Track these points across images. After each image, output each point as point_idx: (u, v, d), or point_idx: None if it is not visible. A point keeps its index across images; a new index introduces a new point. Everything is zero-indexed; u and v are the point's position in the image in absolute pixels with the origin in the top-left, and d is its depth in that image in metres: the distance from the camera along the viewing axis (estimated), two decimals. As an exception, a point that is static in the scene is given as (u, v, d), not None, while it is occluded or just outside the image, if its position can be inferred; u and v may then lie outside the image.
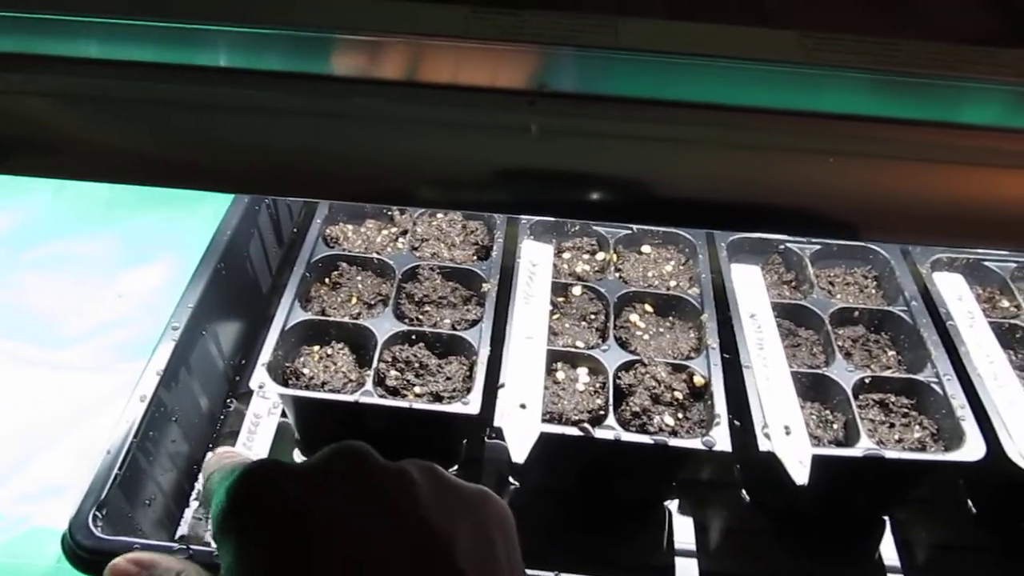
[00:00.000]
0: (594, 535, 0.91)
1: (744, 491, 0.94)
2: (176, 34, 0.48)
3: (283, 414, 0.95)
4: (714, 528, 0.92)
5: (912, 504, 0.94)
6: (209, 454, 0.77)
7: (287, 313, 0.90)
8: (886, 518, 0.93)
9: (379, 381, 0.86)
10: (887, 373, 0.93)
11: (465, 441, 0.94)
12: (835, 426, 0.89)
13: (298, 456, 0.93)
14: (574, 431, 0.82)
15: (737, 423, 0.87)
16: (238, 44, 0.52)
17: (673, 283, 1.00)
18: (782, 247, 1.05)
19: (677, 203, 0.57)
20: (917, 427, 0.89)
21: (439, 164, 0.57)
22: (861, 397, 0.91)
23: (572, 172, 0.57)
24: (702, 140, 0.56)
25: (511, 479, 0.93)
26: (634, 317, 0.96)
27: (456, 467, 0.93)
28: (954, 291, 1.00)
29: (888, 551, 0.92)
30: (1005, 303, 1.03)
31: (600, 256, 1.03)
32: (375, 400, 0.83)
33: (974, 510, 0.95)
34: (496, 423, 0.81)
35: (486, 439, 0.96)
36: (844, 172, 0.57)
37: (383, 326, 0.90)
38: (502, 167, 0.57)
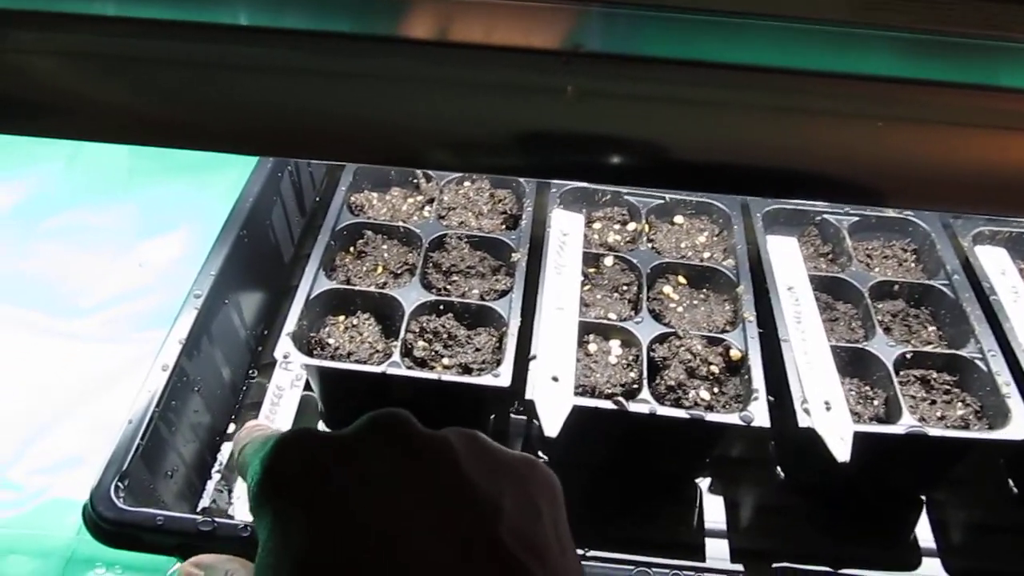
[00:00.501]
0: (624, 512, 0.88)
1: (779, 468, 0.91)
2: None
3: (306, 386, 0.93)
4: (747, 506, 0.90)
5: (951, 483, 0.92)
6: (238, 429, 0.75)
7: (312, 282, 0.87)
8: (923, 497, 0.91)
9: (406, 352, 0.84)
10: (929, 348, 0.90)
11: (493, 416, 0.91)
12: (875, 402, 0.86)
13: (323, 428, 0.91)
14: (608, 404, 0.79)
15: (772, 398, 0.84)
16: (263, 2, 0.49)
17: (707, 254, 0.97)
18: (819, 218, 1.02)
19: (716, 168, 0.55)
20: (960, 404, 0.87)
21: (469, 127, 0.55)
22: (902, 373, 0.88)
23: (608, 136, 0.54)
24: (743, 103, 0.53)
25: (540, 453, 0.91)
26: (667, 289, 0.93)
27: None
28: (997, 265, 0.97)
29: (924, 531, 0.89)
30: (1049, 277, 1.00)
31: (632, 226, 1.00)
32: (403, 372, 0.80)
33: (1015, 490, 0.92)
34: (528, 396, 0.79)
35: (512, 414, 0.94)
36: (892, 137, 0.55)
37: (410, 296, 0.87)
38: (537, 130, 0.55)
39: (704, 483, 0.90)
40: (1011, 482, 0.92)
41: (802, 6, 0.49)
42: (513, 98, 0.53)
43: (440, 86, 0.53)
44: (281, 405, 0.93)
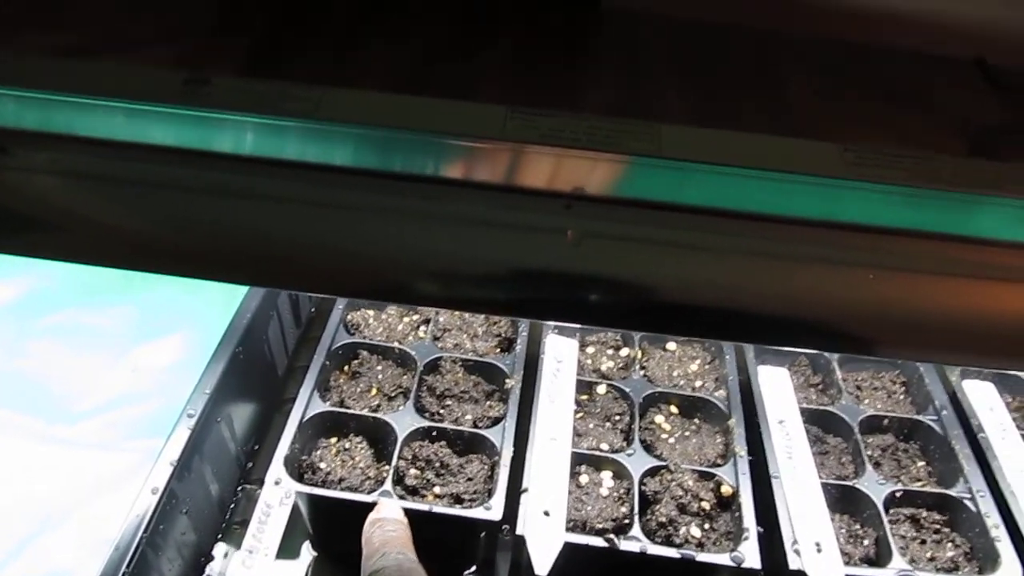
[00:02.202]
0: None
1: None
2: (189, 120, 0.47)
3: (295, 505, 0.93)
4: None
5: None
6: (372, 514, 0.78)
7: (306, 403, 0.88)
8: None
9: (398, 480, 0.84)
10: (918, 487, 0.91)
11: (483, 537, 0.91)
12: (865, 542, 0.86)
13: (307, 550, 0.90)
14: (599, 542, 0.79)
15: (760, 529, 0.84)
16: (275, 136, 0.51)
17: (699, 383, 0.98)
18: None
19: (714, 314, 0.56)
20: (950, 545, 0.87)
21: (473, 265, 0.56)
22: (892, 511, 0.88)
23: (609, 279, 0.56)
24: (741, 250, 0.55)
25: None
26: (659, 419, 0.93)
27: (473, 568, 0.90)
28: (985, 401, 0.98)
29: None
30: (1037, 414, 1.01)
31: (624, 352, 1.01)
32: (394, 502, 0.80)
33: (1006, 632, 0.91)
34: (519, 531, 0.79)
35: (504, 535, 0.93)
36: (885, 287, 0.56)
37: (404, 420, 0.87)
38: (538, 270, 0.56)
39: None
40: (1001, 624, 0.92)
41: (799, 160, 0.51)
42: (515, 239, 0.55)
43: (440, 223, 0.54)
44: (269, 524, 0.92)
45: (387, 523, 0.76)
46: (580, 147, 0.51)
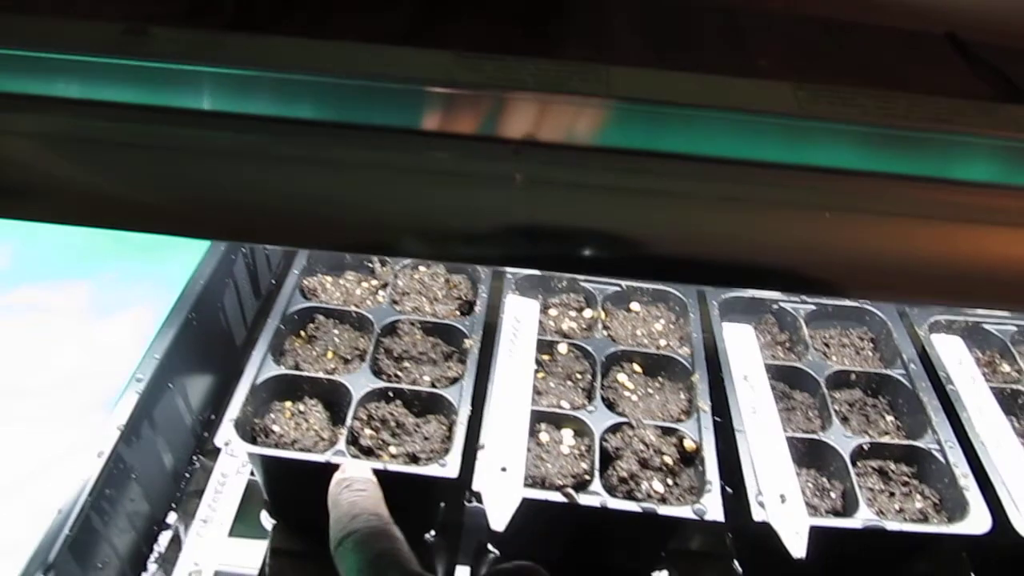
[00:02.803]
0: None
1: (737, 563, 0.89)
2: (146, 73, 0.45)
3: (252, 472, 0.91)
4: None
5: (914, 579, 0.90)
6: (338, 475, 0.73)
7: (258, 367, 0.85)
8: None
9: (353, 440, 0.81)
10: (886, 439, 0.89)
11: (443, 505, 0.89)
12: (832, 495, 0.84)
13: (266, 518, 0.88)
14: (557, 497, 0.77)
15: (729, 490, 0.82)
16: (219, 86, 0.49)
17: (663, 342, 0.96)
18: (775, 307, 1.02)
19: (665, 258, 0.54)
20: (918, 496, 0.85)
21: (420, 214, 0.55)
22: (859, 464, 0.87)
23: (556, 224, 0.54)
24: (692, 194, 0.53)
25: (490, 547, 0.88)
26: (622, 377, 0.91)
27: (433, 532, 0.88)
28: (954, 354, 0.96)
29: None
30: (1006, 367, 0.99)
31: (588, 313, 0.99)
32: (347, 461, 0.78)
33: (978, 586, 0.90)
34: (475, 487, 0.77)
35: (466, 503, 0.91)
36: (840, 228, 0.54)
37: (359, 382, 0.85)
38: (486, 218, 0.55)
39: (662, 577, 0.88)
40: (973, 577, 0.90)
41: (751, 100, 0.50)
42: (463, 185, 0.53)
43: (389, 172, 0.53)
44: (225, 493, 0.90)
45: (355, 482, 0.71)
46: (527, 89, 0.49)
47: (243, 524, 0.88)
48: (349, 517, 0.66)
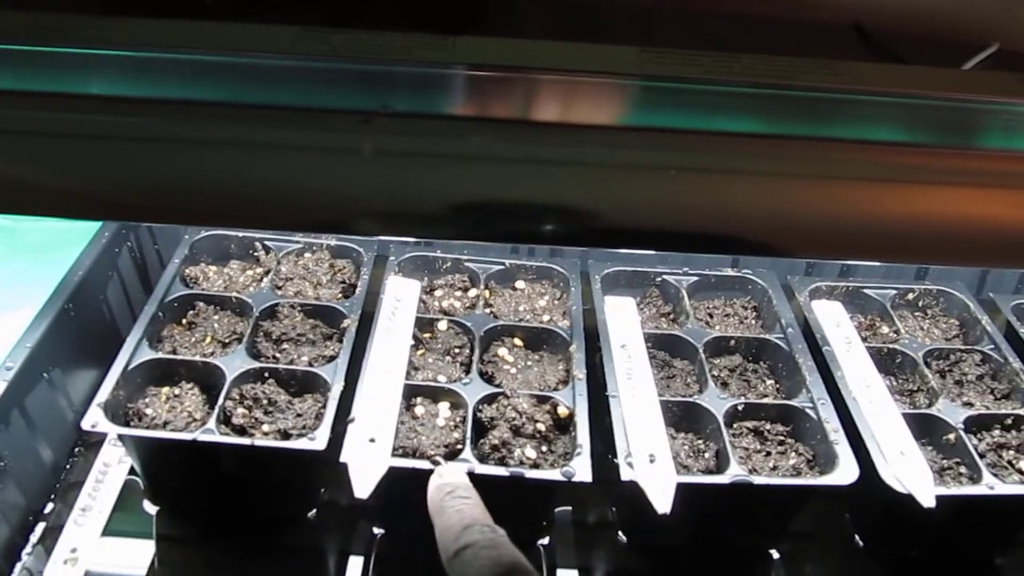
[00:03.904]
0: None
1: (621, 533, 0.89)
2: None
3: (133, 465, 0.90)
4: (593, 570, 0.88)
5: (799, 538, 0.91)
6: (436, 479, 0.71)
7: (131, 353, 0.85)
8: (774, 553, 0.90)
9: (225, 420, 0.81)
10: (759, 400, 0.90)
11: (323, 490, 0.89)
12: (707, 455, 0.85)
13: (148, 507, 0.87)
14: (425, 465, 0.78)
15: (611, 456, 0.83)
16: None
17: (546, 317, 0.97)
18: (659, 279, 1.03)
19: (513, 220, 0.56)
20: (793, 454, 0.86)
21: (269, 187, 0.55)
22: (735, 426, 0.88)
23: (407, 192, 0.55)
24: (542, 158, 0.54)
25: (375, 528, 0.88)
26: (503, 351, 0.92)
27: (314, 511, 0.88)
28: (832, 318, 0.98)
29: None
30: (885, 329, 1.01)
31: (472, 292, 1.00)
32: (214, 438, 0.78)
33: (861, 543, 0.91)
34: (342, 458, 0.77)
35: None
36: (686, 185, 0.56)
37: (234, 364, 0.85)
38: (336, 187, 0.55)
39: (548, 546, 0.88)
40: (857, 536, 0.91)
41: (590, 62, 0.51)
42: (312, 157, 0.54)
43: (233, 147, 0.53)
44: (105, 483, 0.89)
45: (457, 488, 0.70)
46: (373, 60, 0.50)
47: (124, 512, 0.87)
48: (461, 527, 0.64)
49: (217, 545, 0.88)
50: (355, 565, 0.86)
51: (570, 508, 0.91)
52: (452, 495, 0.69)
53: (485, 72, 0.50)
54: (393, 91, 0.51)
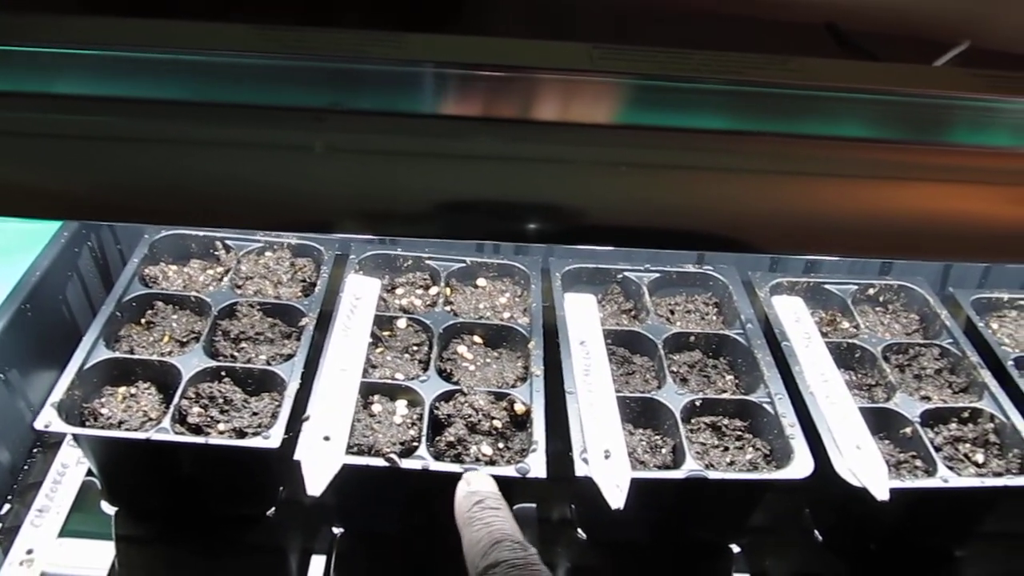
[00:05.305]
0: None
1: (580, 530, 0.89)
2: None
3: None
4: (553, 567, 0.88)
5: (758, 532, 0.91)
6: (464, 487, 0.71)
7: (87, 352, 0.85)
8: (734, 547, 0.90)
9: (180, 419, 0.81)
10: (716, 395, 0.91)
11: (282, 488, 0.88)
12: (664, 451, 0.85)
13: (106, 507, 0.87)
14: (379, 462, 0.78)
15: (571, 454, 0.83)
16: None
17: (507, 314, 0.97)
18: (620, 276, 1.03)
19: (459, 215, 0.56)
20: (750, 449, 0.87)
21: (218, 184, 0.55)
22: (693, 421, 0.88)
23: (354, 189, 0.55)
24: (491, 154, 0.54)
25: (334, 528, 0.87)
26: (462, 349, 0.92)
27: (273, 510, 0.88)
28: (792, 313, 0.98)
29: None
30: (845, 324, 1.01)
31: (434, 290, 1.00)
32: (168, 438, 0.78)
33: (820, 537, 0.91)
34: (296, 456, 0.77)
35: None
36: (637, 182, 0.56)
37: (190, 363, 0.85)
38: (286, 185, 0.55)
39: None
40: (816, 530, 0.92)
41: (541, 59, 0.51)
42: (265, 154, 0.54)
43: (183, 144, 0.53)
44: (63, 484, 0.89)
45: (488, 499, 0.69)
46: (324, 57, 0.50)
47: (82, 513, 0.87)
48: (490, 542, 0.63)
49: (177, 545, 0.87)
50: (316, 563, 0.86)
51: (535, 505, 0.92)
52: (481, 505, 0.67)
53: (435, 69, 0.50)
54: (345, 89, 0.51)
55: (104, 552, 0.85)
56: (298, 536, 0.88)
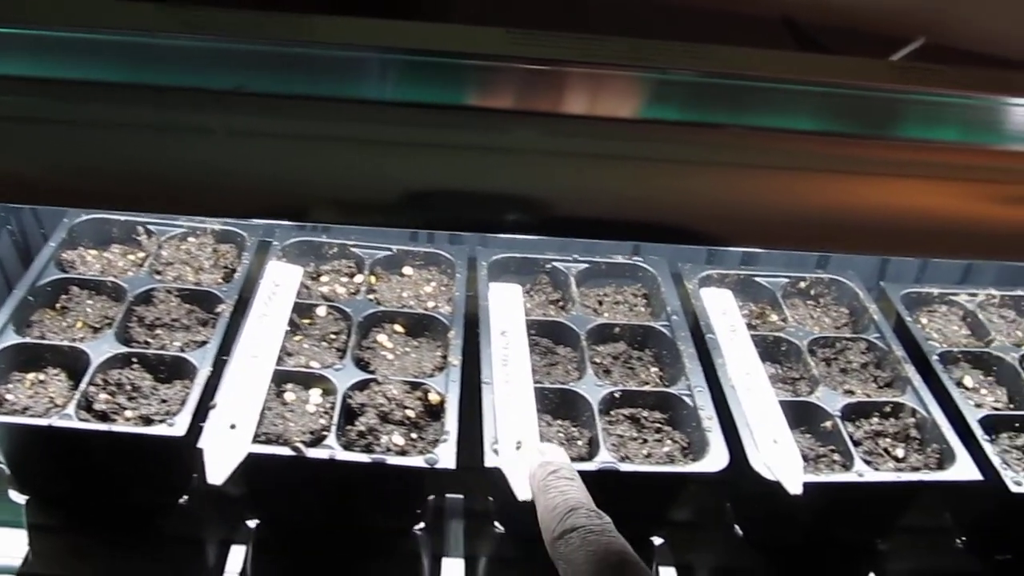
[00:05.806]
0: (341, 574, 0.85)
1: (498, 522, 0.88)
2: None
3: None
4: (472, 560, 0.87)
5: (680, 526, 0.91)
6: (538, 456, 0.71)
7: (-6, 337, 0.83)
8: (656, 541, 0.89)
9: (87, 406, 0.80)
10: (636, 387, 0.90)
11: (195, 476, 0.87)
12: (580, 442, 0.85)
13: (15, 496, 0.85)
14: (285, 451, 0.77)
15: (496, 446, 0.82)
16: None
17: (431, 303, 0.96)
18: (549, 266, 1.02)
19: (366, 202, 0.55)
20: (668, 441, 0.86)
21: (116, 165, 0.54)
22: (613, 413, 0.88)
23: (254, 172, 0.54)
24: (402, 140, 0.53)
25: (249, 518, 0.86)
26: (382, 337, 0.91)
27: (186, 498, 0.86)
28: (719, 306, 0.98)
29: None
30: (774, 317, 1.01)
31: (359, 278, 0.99)
32: (71, 424, 0.76)
33: (741, 532, 0.91)
34: (199, 444, 0.76)
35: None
36: (549, 169, 0.55)
37: (100, 348, 0.84)
38: (191, 168, 0.54)
39: (424, 537, 0.87)
40: (736, 526, 0.91)
41: (458, 43, 0.50)
42: (167, 137, 0.53)
43: (84, 126, 0.52)
44: (-27, 472, 0.87)
45: (561, 469, 0.69)
46: (228, 38, 0.49)
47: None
48: (566, 508, 0.64)
49: (89, 533, 0.86)
50: (232, 552, 0.85)
51: (461, 496, 0.91)
52: (556, 475, 0.68)
53: (343, 52, 0.49)
54: (249, 70, 0.50)
55: (17, 541, 0.84)
56: (213, 525, 0.87)
